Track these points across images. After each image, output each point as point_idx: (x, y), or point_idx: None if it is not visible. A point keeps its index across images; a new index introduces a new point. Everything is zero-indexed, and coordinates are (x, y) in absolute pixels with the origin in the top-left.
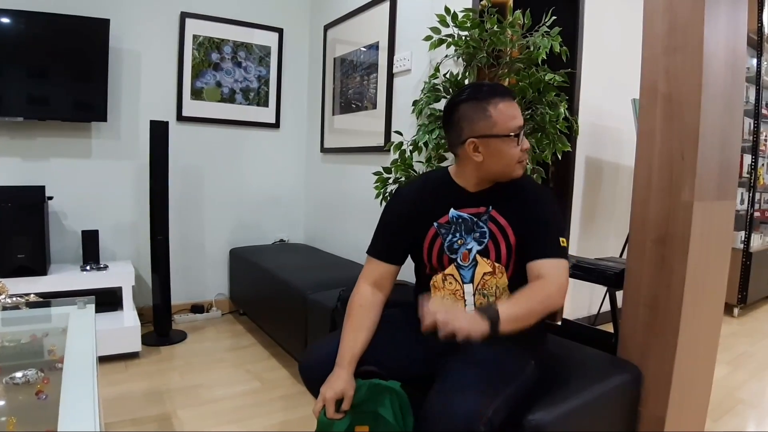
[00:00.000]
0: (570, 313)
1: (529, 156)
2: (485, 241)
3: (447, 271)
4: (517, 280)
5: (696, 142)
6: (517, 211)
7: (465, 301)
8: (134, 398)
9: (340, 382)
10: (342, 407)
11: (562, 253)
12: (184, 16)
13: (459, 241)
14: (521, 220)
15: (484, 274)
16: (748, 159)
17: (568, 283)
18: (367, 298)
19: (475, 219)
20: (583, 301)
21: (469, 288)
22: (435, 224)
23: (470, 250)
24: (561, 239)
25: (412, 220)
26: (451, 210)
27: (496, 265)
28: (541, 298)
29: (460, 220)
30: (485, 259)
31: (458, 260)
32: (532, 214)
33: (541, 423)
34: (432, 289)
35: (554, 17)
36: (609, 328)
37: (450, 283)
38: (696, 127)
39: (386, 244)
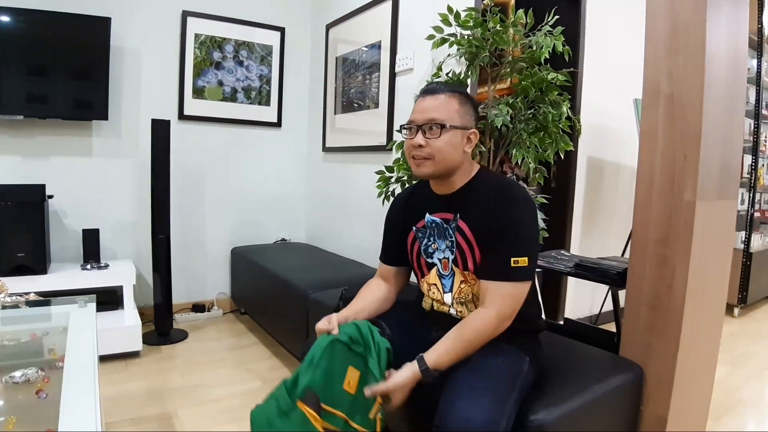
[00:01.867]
0: (571, 312)
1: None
2: (455, 250)
3: (431, 280)
4: None
5: (698, 142)
6: (485, 219)
7: (449, 308)
8: (135, 397)
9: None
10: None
11: (511, 275)
12: (185, 14)
13: (433, 245)
14: (487, 229)
15: (461, 282)
16: (748, 159)
17: (514, 307)
18: (373, 282)
19: (445, 225)
20: (585, 300)
21: (448, 297)
22: (414, 228)
23: (448, 259)
24: (514, 259)
25: (400, 226)
26: (427, 214)
27: (466, 273)
28: (469, 336)
29: (434, 225)
30: (458, 268)
31: (439, 269)
32: (495, 224)
33: (543, 422)
34: (424, 296)
35: (556, 17)
36: (611, 327)
37: (433, 292)
38: (698, 127)
39: (387, 249)
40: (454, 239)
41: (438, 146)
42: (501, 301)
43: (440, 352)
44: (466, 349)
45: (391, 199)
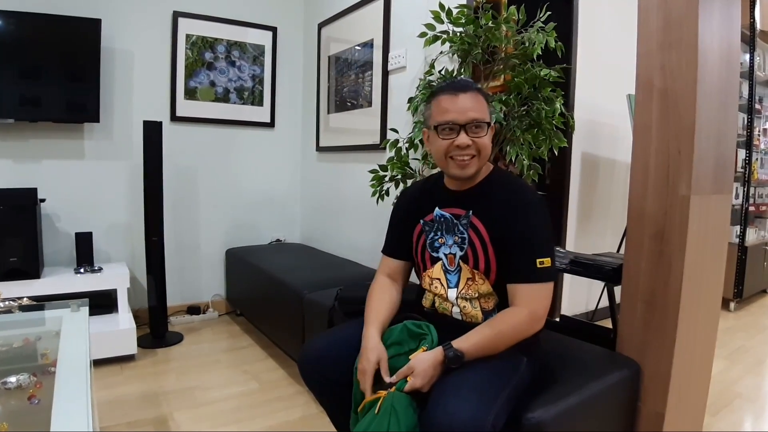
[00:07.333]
0: (568, 309)
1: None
2: (465, 247)
3: (434, 274)
4: (503, 283)
5: (692, 136)
6: (499, 218)
7: (452, 305)
8: (130, 401)
9: (369, 351)
10: (384, 379)
11: (539, 276)
12: (176, 15)
13: (440, 240)
14: (502, 229)
15: (467, 279)
16: (742, 154)
17: (546, 307)
18: (383, 283)
19: (455, 221)
20: (581, 296)
21: (453, 293)
22: (421, 221)
23: (455, 255)
24: (539, 260)
25: (408, 219)
26: (436, 209)
27: (475, 272)
28: (501, 327)
29: (443, 219)
30: (466, 265)
31: (445, 264)
32: (513, 228)
33: (540, 421)
34: (425, 292)
35: (549, 13)
36: (607, 323)
37: (435, 287)
38: (692, 121)
39: (392, 242)
40: (465, 235)
41: (484, 144)
42: (532, 301)
43: (469, 339)
44: (497, 339)
45: (386, 198)
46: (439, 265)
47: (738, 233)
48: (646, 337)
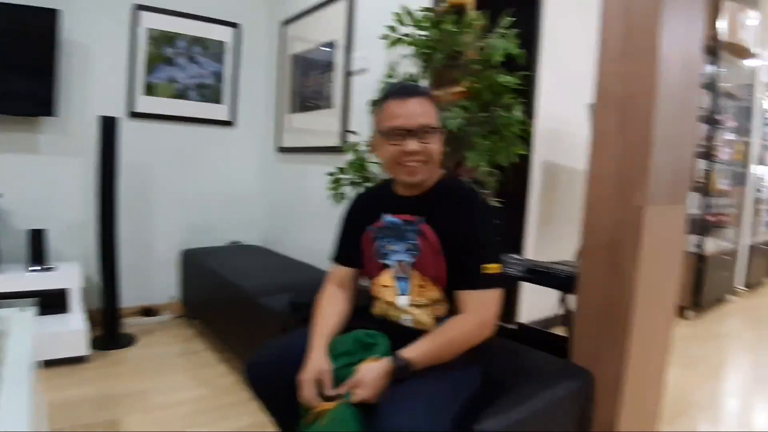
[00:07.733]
0: (528, 314)
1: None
2: (415, 254)
3: (383, 282)
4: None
5: (649, 146)
6: (449, 224)
7: (402, 313)
8: (81, 404)
9: (314, 363)
10: (326, 392)
11: (485, 282)
12: (137, 8)
13: (390, 247)
14: (451, 236)
15: (418, 286)
16: (702, 164)
17: (495, 313)
18: (332, 293)
19: (405, 227)
20: (542, 302)
21: (403, 300)
22: (371, 228)
23: (405, 262)
24: (485, 267)
25: (358, 225)
26: (386, 215)
27: (426, 279)
28: (450, 334)
29: (392, 226)
30: (416, 272)
31: (394, 271)
32: (460, 234)
33: None
34: (375, 299)
35: (513, 19)
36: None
37: (386, 294)
38: (649, 131)
39: (342, 249)
40: (415, 242)
41: (433, 149)
42: (480, 308)
43: (418, 348)
44: (447, 347)
45: (343, 201)
46: (388, 272)
47: (697, 243)
48: (599, 347)
